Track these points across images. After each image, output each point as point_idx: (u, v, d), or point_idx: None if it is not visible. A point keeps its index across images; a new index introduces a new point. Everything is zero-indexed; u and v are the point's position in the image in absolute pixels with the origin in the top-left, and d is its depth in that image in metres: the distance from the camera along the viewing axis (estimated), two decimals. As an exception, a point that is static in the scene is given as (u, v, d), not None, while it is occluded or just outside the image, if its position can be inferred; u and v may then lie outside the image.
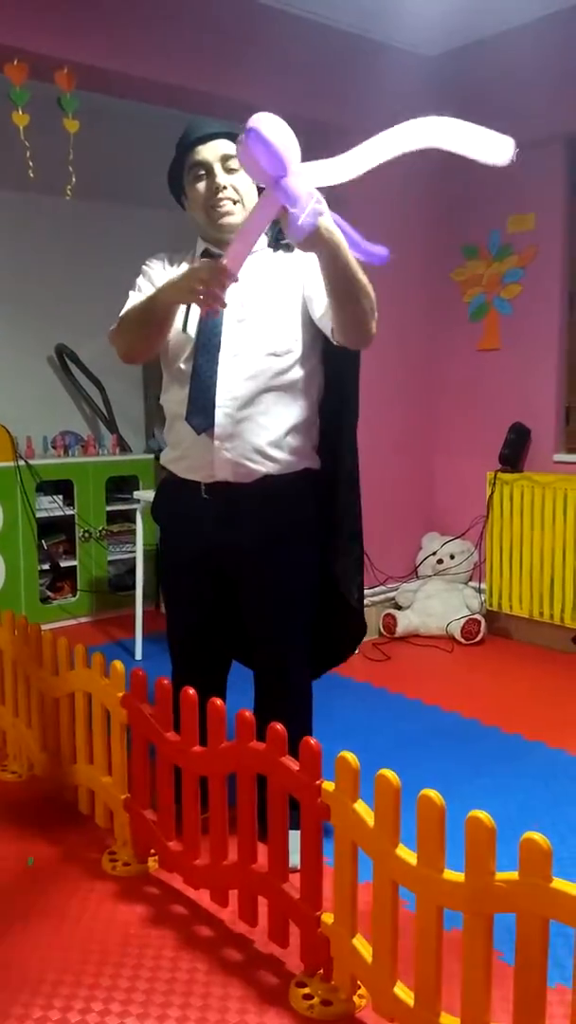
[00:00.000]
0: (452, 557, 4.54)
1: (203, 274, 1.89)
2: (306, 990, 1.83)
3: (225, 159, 2.21)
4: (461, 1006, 1.51)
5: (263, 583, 2.32)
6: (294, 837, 1.94)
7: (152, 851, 2.30)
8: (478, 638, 4.30)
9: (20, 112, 3.21)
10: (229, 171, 2.21)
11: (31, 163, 3.24)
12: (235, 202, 2.23)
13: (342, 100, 4.09)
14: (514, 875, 1.40)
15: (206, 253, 2.29)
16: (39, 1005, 1.82)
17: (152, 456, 4.98)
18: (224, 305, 1.93)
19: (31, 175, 3.26)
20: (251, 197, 2.24)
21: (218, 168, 2.21)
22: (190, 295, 1.95)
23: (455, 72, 4.31)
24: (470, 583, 4.55)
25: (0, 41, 3.14)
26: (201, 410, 2.21)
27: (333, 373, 2.36)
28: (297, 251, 2.14)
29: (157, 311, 2.14)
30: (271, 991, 1.86)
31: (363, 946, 1.73)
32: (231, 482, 2.25)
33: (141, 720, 2.23)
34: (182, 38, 3.56)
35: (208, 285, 1.87)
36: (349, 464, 2.43)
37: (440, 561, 4.55)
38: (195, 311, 2.23)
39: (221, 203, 2.21)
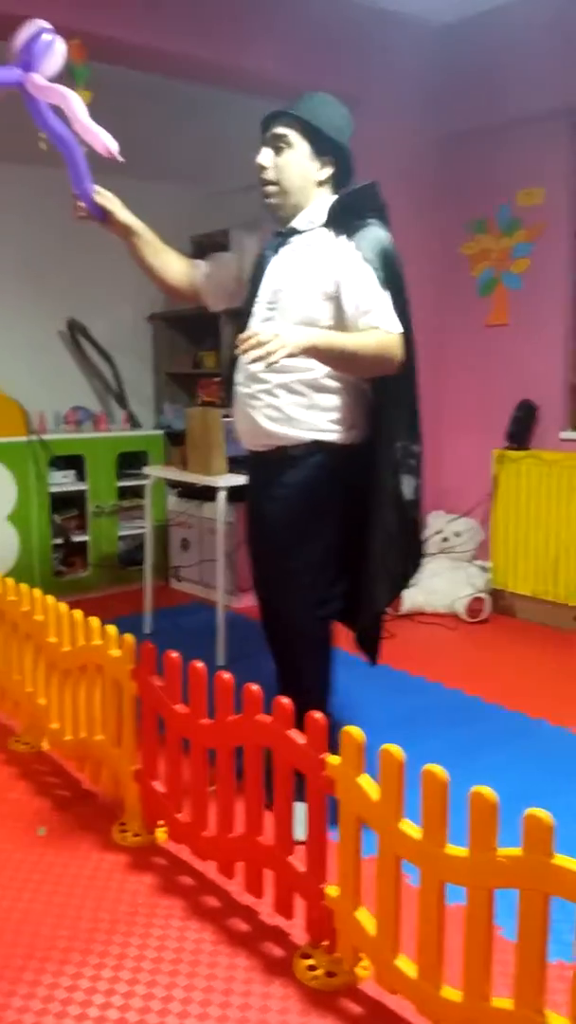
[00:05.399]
0: (457, 535, 4.54)
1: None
2: (310, 961, 1.87)
3: (276, 138, 2.24)
4: (462, 979, 1.54)
5: (263, 526, 2.42)
6: (299, 809, 1.96)
7: (161, 822, 2.33)
8: (482, 616, 4.32)
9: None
10: (277, 150, 2.25)
11: (43, 135, 3.22)
12: (271, 183, 2.25)
13: (351, 69, 4.05)
14: (516, 851, 1.43)
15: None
16: (50, 972, 1.87)
17: (162, 432, 4.99)
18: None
19: (43, 147, 3.24)
20: (291, 181, 2.25)
21: (267, 148, 2.25)
22: None
23: (465, 41, 4.26)
24: (475, 561, 4.56)
25: (10, 11, 3.12)
26: (227, 380, 2.41)
27: None
28: (342, 238, 2.20)
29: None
30: (276, 962, 1.90)
31: (367, 919, 1.76)
32: (253, 450, 2.42)
33: (151, 693, 2.25)
34: (191, 7, 3.53)
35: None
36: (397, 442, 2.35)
37: (446, 539, 4.56)
38: (264, 291, 2.31)
39: (263, 185, 2.27)
